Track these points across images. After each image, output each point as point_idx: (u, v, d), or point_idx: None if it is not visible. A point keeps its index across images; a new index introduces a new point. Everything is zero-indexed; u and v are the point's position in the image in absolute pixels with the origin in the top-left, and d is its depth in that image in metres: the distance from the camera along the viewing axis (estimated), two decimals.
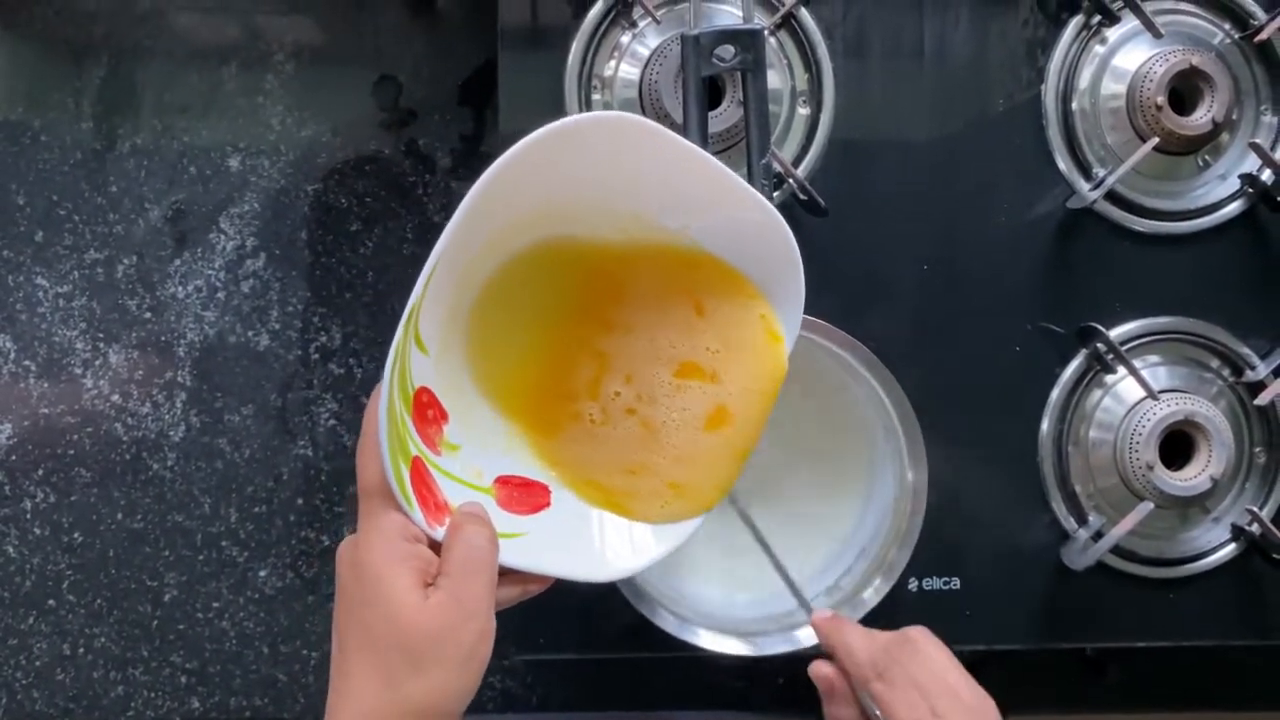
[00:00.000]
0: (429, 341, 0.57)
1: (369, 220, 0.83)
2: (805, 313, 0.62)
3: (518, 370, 0.61)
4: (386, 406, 0.53)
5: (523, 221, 0.58)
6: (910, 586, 0.72)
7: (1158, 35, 0.73)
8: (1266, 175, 0.74)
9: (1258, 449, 0.76)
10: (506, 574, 0.56)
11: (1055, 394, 0.75)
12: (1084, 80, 0.75)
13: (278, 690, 0.82)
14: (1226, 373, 0.75)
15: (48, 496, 0.82)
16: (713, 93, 0.71)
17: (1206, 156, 0.75)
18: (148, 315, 0.83)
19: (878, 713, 0.61)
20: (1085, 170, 0.75)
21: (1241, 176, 0.75)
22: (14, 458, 0.82)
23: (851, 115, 0.74)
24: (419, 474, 0.55)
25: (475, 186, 0.53)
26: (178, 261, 0.83)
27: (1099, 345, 0.73)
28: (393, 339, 0.54)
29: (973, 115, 0.75)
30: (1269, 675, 0.82)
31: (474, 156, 0.83)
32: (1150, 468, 0.72)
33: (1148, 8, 0.73)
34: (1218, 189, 0.76)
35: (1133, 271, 0.75)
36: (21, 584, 0.82)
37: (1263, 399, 0.73)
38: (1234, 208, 0.75)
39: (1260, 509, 0.74)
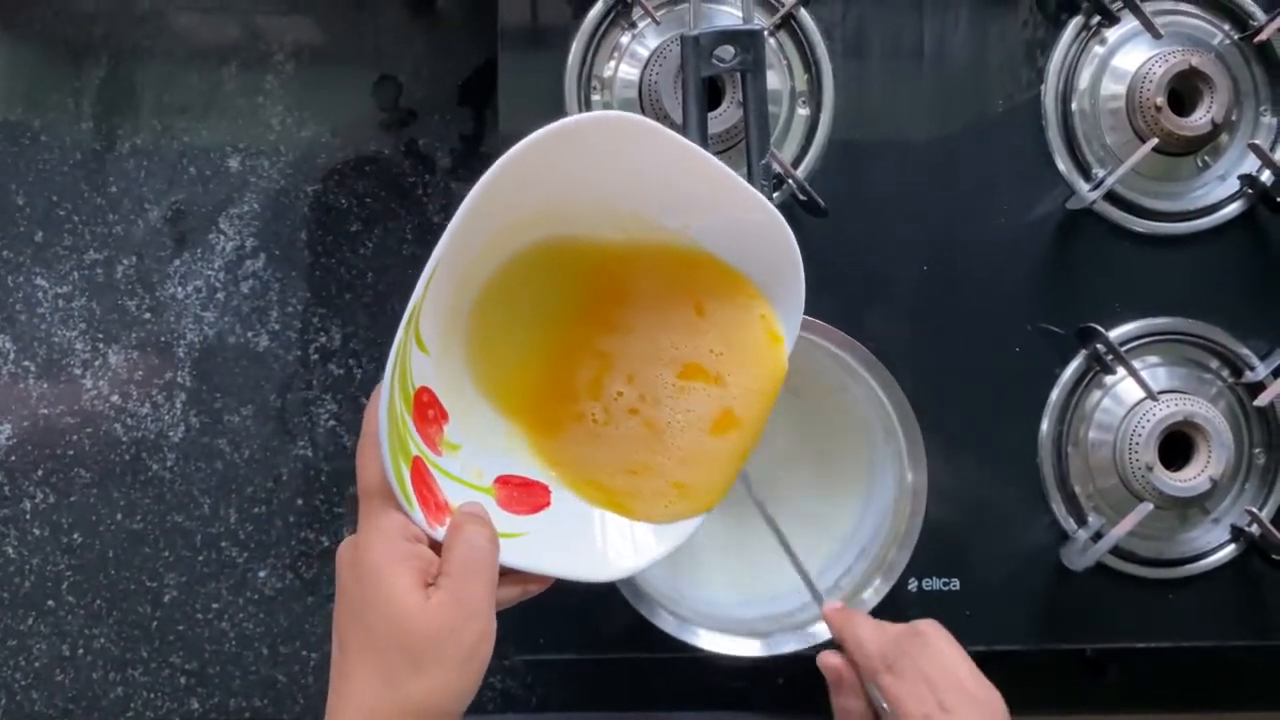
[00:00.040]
0: (429, 341, 0.57)
1: (369, 221, 0.83)
2: (805, 313, 0.62)
3: (518, 370, 0.61)
4: (387, 406, 0.53)
5: (523, 222, 0.58)
6: (910, 587, 0.72)
7: (1157, 36, 0.73)
8: (1266, 176, 0.74)
9: (1257, 450, 0.76)
10: (506, 574, 0.56)
11: (1055, 395, 0.75)
12: (1083, 81, 0.76)
13: (277, 691, 0.82)
14: (1226, 373, 0.75)
15: (47, 497, 0.82)
16: (712, 93, 0.71)
17: (1206, 157, 0.76)
18: (147, 316, 0.83)
19: (885, 705, 0.61)
20: (1085, 171, 0.75)
21: (1241, 177, 0.75)
22: (13, 458, 0.82)
23: (851, 116, 0.75)
24: (419, 474, 0.55)
25: (476, 187, 0.53)
26: (177, 262, 0.83)
27: (1098, 346, 0.73)
28: (393, 339, 0.54)
29: (972, 116, 0.75)
30: (1268, 676, 0.82)
31: (474, 157, 0.83)
32: (1150, 468, 0.72)
33: (1147, 8, 0.73)
34: (1217, 190, 0.76)
35: (1132, 272, 0.75)
36: (21, 585, 0.82)
37: (1262, 400, 0.73)
38: (1233, 208, 0.75)
39: (1260, 510, 0.74)
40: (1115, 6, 0.74)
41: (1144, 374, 0.73)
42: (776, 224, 0.59)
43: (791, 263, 0.60)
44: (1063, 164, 0.75)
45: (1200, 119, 0.73)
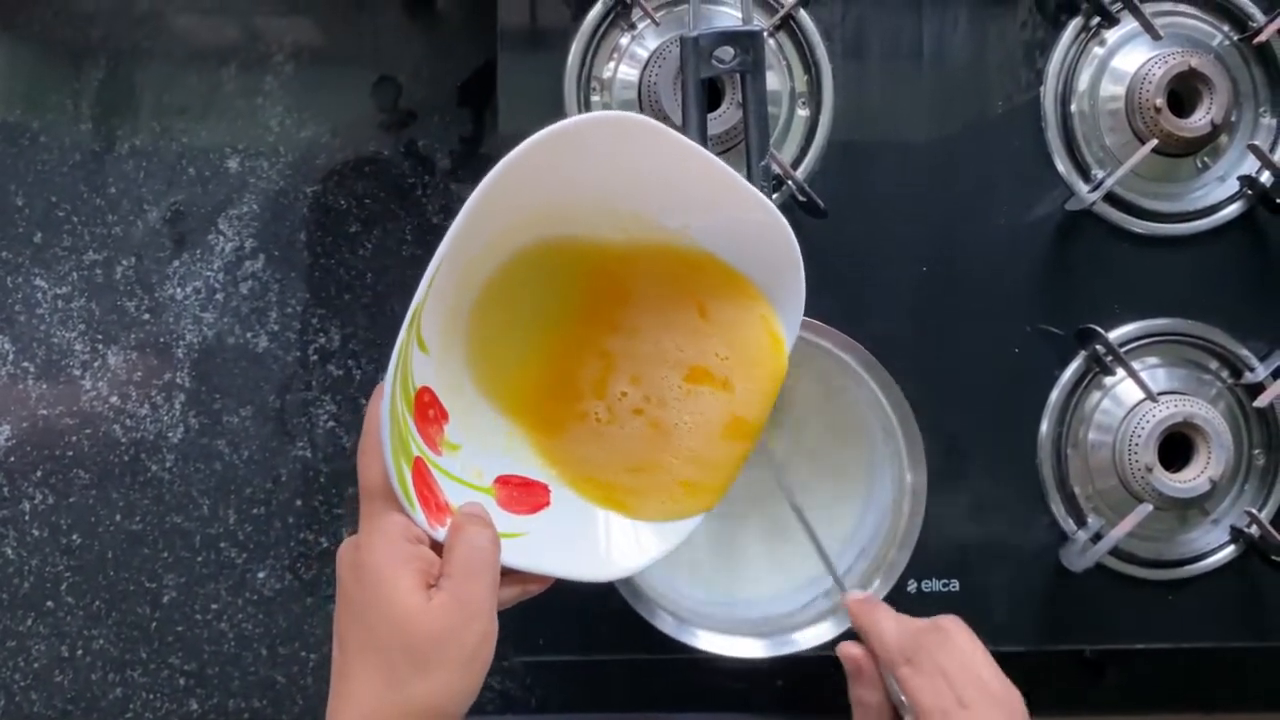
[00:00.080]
0: (430, 341, 0.57)
1: (368, 222, 0.83)
2: (804, 313, 0.62)
3: (518, 370, 0.61)
4: (389, 407, 0.53)
5: (524, 221, 0.58)
6: (910, 588, 0.72)
7: (1156, 37, 0.73)
8: (1265, 177, 0.74)
9: (1256, 451, 0.76)
10: (506, 574, 0.55)
11: (1054, 396, 0.75)
12: (1083, 82, 0.76)
13: (276, 692, 0.82)
14: (1225, 375, 0.75)
15: (46, 498, 0.82)
16: (712, 94, 0.71)
17: (1205, 158, 0.76)
18: (146, 317, 0.83)
19: (903, 698, 0.60)
20: (1084, 172, 0.75)
21: (1240, 178, 0.75)
22: (12, 459, 0.82)
23: (850, 117, 0.75)
24: (420, 474, 0.55)
25: (479, 188, 0.53)
26: (176, 263, 0.83)
27: (1098, 347, 0.73)
28: (393, 340, 0.54)
29: (972, 117, 0.75)
30: (1268, 676, 0.82)
31: (473, 158, 0.83)
32: (1149, 469, 0.72)
33: (1146, 9, 0.73)
34: (1216, 191, 0.76)
35: (1131, 273, 0.75)
36: (20, 585, 0.82)
37: (1262, 401, 0.73)
38: (1233, 209, 0.75)
39: (1259, 511, 0.74)
40: (1115, 8, 0.74)
41: (1143, 375, 0.73)
42: (777, 224, 0.59)
43: (792, 263, 0.60)
44: (1062, 165, 0.75)
45: (1199, 120, 0.73)
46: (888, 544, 0.70)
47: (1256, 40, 0.74)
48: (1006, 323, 0.75)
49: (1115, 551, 0.72)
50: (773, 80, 0.72)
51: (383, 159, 0.83)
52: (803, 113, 0.75)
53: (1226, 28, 0.76)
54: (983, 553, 0.74)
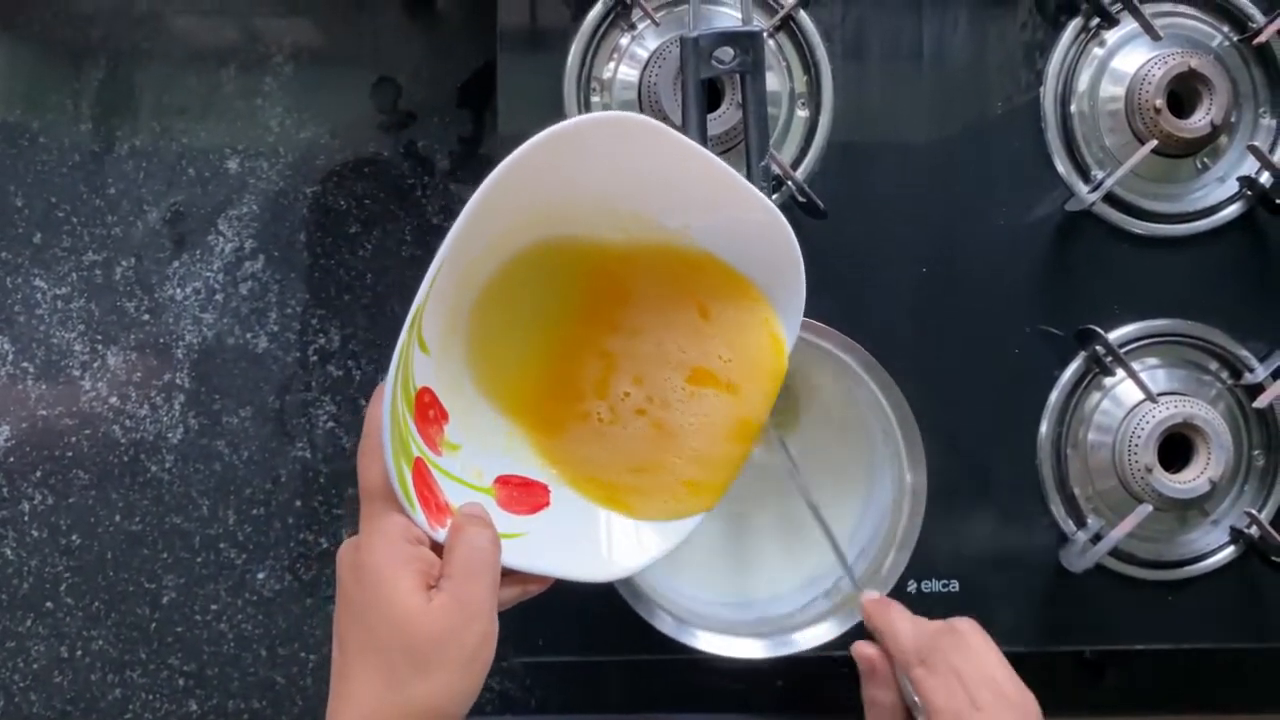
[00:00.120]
0: (430, 342, 0.57)
1: (368, 222, 0.83)
2: (804, 314, 0.62)
3: (519, 369, 0.61)
4: (389, 408, 0.53)
5: (524, 222, 0.58)
6: (910, 589, 0.72)
7: (1156, 38, 0.73)
8: (1265, 178, 0.74)
9: (1256, 452, 0.76)
10: (506, 575, 0.55)
11: (1054, 396, 0.75)
12: (1082, 83, 0.76)
13: (276, 693, 0.82)
14: (1225, 375, 0.75)
15: (46, 499, 0.82)
16: (711, 95, 0.71)
17: (1205, 159, 0.76)
18: (146, 317, 0.83)
19: (916, 699, 0.60)
20: (1084, 172, 0.75)
21: (1240, 179, 0.75)
22: (12, 460, 0.82)
23: (850, 117, 0.75)
24: (421, 475, 0.55)
25: (481, 188, 0.53)
26: (176, 263, 0.83)
27: (1098, 348, 0.73)
28: (393, 341, 0.54)
29: (971, 118, 0.75)
30: (1268, 677, 0.82)
31: (473, 159, 0.83)
32: (1149, 470, 0.72)
33: (1146, 10, 0.73)
34: (1216, 191, 0.76)
35: (1131, 274, 0.75)
36: (19, 586, 0.82)
37: (1261, 402, 0.73)
38: (1232, 210, 0.75)
39: (1259, 511, 0.74)
40: (1114, 8, 0.74)
41: (1143, 376, 0.73)
42: (778, 224, 0.59)
43: (793, 263, 0.60)
44: (1062, 166, 0.75)
45: (1199, 121, 0.73)
46: (888, 544, 0.70)
47: (1256, 41, 0.74)
48: (1006, 323, 0.75)
49: (1115, 552, 0.72)
50: (772, 81, 0.72)
51: (382, 160, 0.83)
52: (802, 113, 0.75)
53: (1226, 28, 0.76)
54: (982, 553, 0.74)
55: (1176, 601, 0.74)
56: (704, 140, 0.67)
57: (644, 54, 0.73)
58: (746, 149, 0.68)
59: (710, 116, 0.70)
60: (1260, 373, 0.74)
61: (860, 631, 0.68)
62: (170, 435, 0.82)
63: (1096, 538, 0.73)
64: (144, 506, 0.82)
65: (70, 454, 0.82)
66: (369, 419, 0.55)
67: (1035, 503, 0.74)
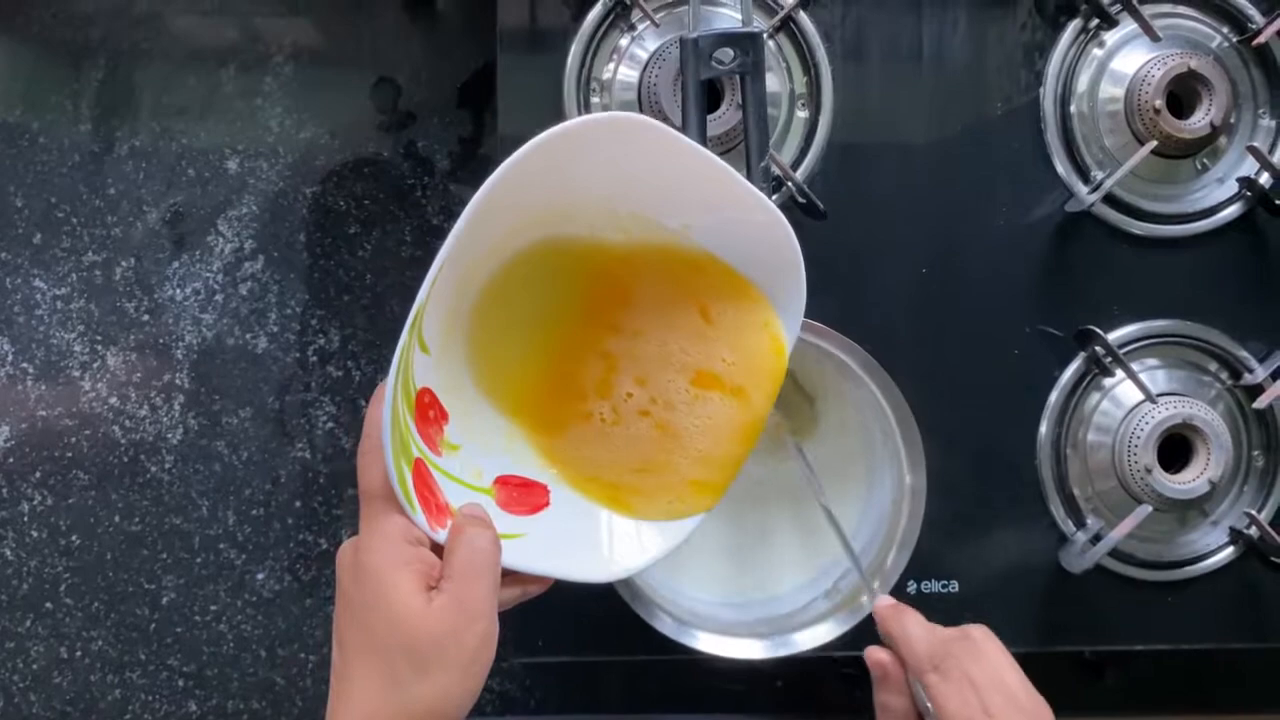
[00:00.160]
0: (430, 342, 0.57)
1: (367, 223, 0.83)
2: (804, 315, 0.62)
3: (519, 369, 0.61)
4: (390, 409, 0.53)
5: (525, 223, 0.58)
6: (909, 589, 0.72)
7: (1156, 39, 0.73)
8: (1264, 179, 0.74)
9: (1256, 452, 0.76)
10: (506, 575, 0.55)
11: (1054, 397, 0.75)
12: (1082, 83, 0.76)
13: (275, 693, 0.82)
14: (1225, 376, 0.75)
15: (45, 499, 0.82)
16: (711, 96, 0.71)
17: (1204, 160, 0.76)
18: (146, 318, 0.83)
19: (929, 705, 0.60)
20: (1083, 173, 0.75)
21: (1239, 180, 0.75)
22: (11, 460, 0.82)
23: (850, 118, 0.75)
24: (421, 476, 0.55)
25: (481, 189, 0.53)
26: (176, 264, 0.83)
27: (1097, 348, 0.73)
28: (393, 341, 0.54)
29: (971, 118, 0.75)
30: (1267, 678, 0.82)
31: (473, 159, 0.83)
32: (1148, 471, 0.72)
33: (1145, 11, 0.73)
34: (1216, 192, 0.76)
35: (1131, 275, 0.75)
36: (19, 587, 0.82)
37: (1261, 402, 0.73)
38: (1232, 211, 0.75)
39: (1258, 512, 0.74)
40: (1114, 9, 0.74)
41: (1143, 376, 0.73)
42: (779, 224, 0.59)
43: (793, 263, 0.60)
44: (1061, 166, 0.75)
45: (1199, 121, 0.73)
46: (887, 545, 0.70)
47: (1256, 42, 0.74)
48: (1006, 324, 0.75)
49: (1114, 553, 0.72)
50: (772, 82, 0.72)
51: (382, 160, 0.83)
52: (802, 114, 0.75)
53: (1226, 29, 0.76)
54: (982, 554, 0.74)
55: (1176, 602, 0.74)
56: (704, 141, 0.67)
57: (644, 55, 0.73)
58: (746, 150, 0.68)
59: (710, 117, 0.70)
60: (1260, 373, 0.74)
61: (858, 633, 0.68)
62: (170, 436, 0.82)
63: (1096, 538, 0.73)
64: (143, 507, 0.82)
65: (70, 455, 0.82)
66: (369, 419, 0.55)
67: (1035, 503, 0.74)
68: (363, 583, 0.52)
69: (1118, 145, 0.75)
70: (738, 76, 0.68)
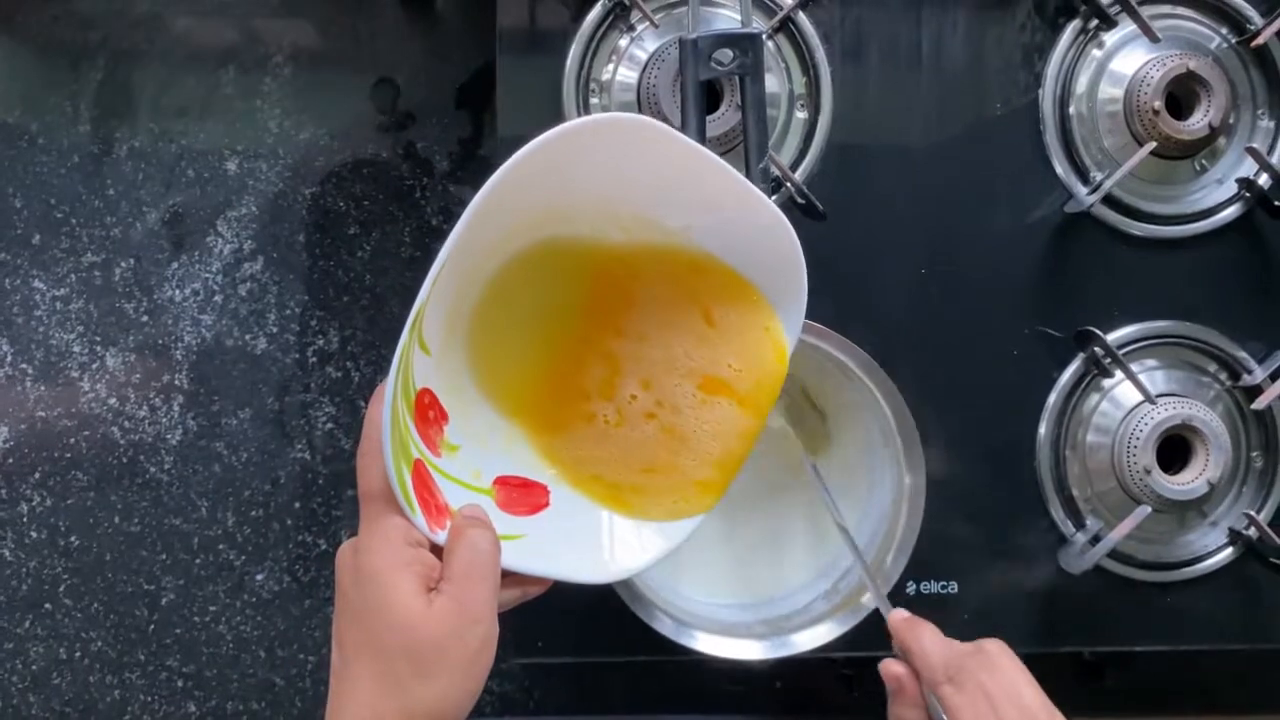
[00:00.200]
0: (430, 342, 0.57)
1: (367, 223, 0.83)
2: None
3: (521, 370, 0.61)
4: (390, 410, 0.53)
5: (526, 223, 0.58)
6: (909, 590, 0.72)
7: (1155, 40, 0.73)
8: (1263, 180, 0.74)
9: (1255, 453, 0.76)
10: (505, 576, 0.55)
11: (1053, 398, 0.75)
12: (1081, 84, 0.76)
13: (275, 694, 0.82)
14: (1224, 377, 0.75)
15: (44, 500, 0.82)
16: (711, 97, 0.71)
17: (1203, 161, 0.76)
18: (145, 319, 0.82)
19: (944, 717, 0.60)
20: (1082, 174, 0.75)
21: (1238, 181, 0.75)
22: (10, 461, 0.82)
23: (849, 119, 0.75)
24: (420, 477, 0.55)
25: (482, 190, 0.53)
26: (175, 265, 0.83)
27: (1096, 349, 0.73)
28: (392, 342, 0.54)
29: (970, 119, 0.75)
30: (1267, 678, 0.82)
31: (472, 160, 0.83)
32: (1148, 472, 0.72)
33: (1144, 12, 0.73)
34: (1215, 193, 0.76)
35: (1130, 275, 0.75)
36: (18, 588, 0.82)
37: (1260, 403, 0.73)
38: (1231, 212, 0.75)
39: (1257, 513, 0.74)
40: (1113, 10, 0.75)
41: (1142, 377, 0.73)
42: (780, 224, 0.59)
43: (795, 265, 0.60)
44: (1060, 167, 0.75)
45: (1198, 122, 0.73)
46: (887, 545, 0.70)
47: (1254, 43, 0.74)
48: (1005, 325, 0.75)
49: (1114, 554, 0.72)
50: (771, 83, 0.72)
51: (381, 161, 0.83)
52: (801, 115, 0.75)
53: (1225, 30, 0.76)
54: (981, 555, 0.74)
55: (1175, 603, 0.74)
56: (703, 142, 0.67)
57: (643, 56, 0.73)
58: (745, 151, 0.68)
59: (709, 118, 0.70)
60: (1259, 374, 0.74)
61: (857, 634, 0.68)
62: (169, 437, 0.82)
63: (1095, 539, 0.73)
64: (143, 508, 0.82)
65: (69, 455, 0.82)
66: (368, 420, 0.55)
67: (1034, 504, 0.75)
68: (362, 584, 0.52)
69: (1117, 146, 0.75)
70: (737, 77, 0.68)
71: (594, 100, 0.74)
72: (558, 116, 0.73)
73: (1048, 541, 0.74)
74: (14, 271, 0.82)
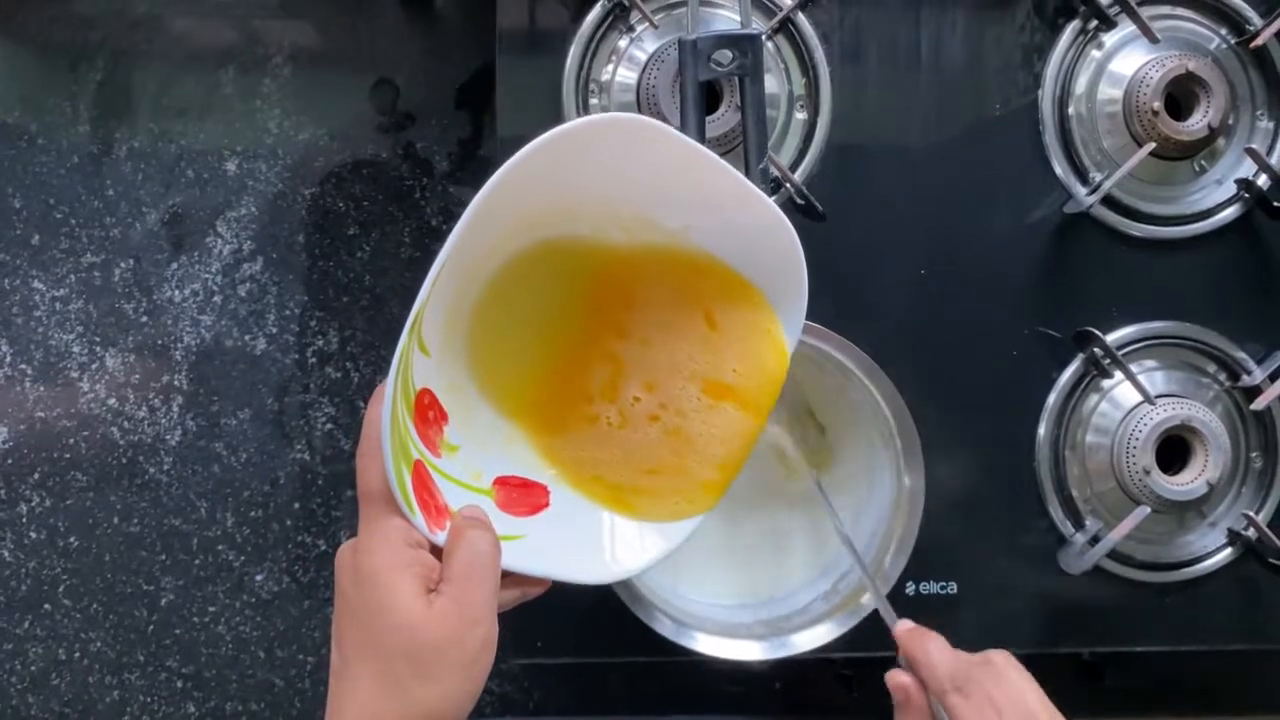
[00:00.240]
0: (430, 342, 0.57)
1: (366, 224, 0.83)
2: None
3: (521, 369, 0.61)
4: (390, 411, 0.53)
5: (526, 224, 0.58)
6: (908, 591, 0.72)
7: (1154, 40, 0.73)
8: (1262, 180, 0.74)
9: (1254, 454, 0.76)
10: (505, 577, 0.55)
11: (1052, 399, 0.75)
12: (1080, 85, 0.76)
13: (274, 695, 0.82)
14: (1223, 377, 0.76)
15: (43, 500, 0.82)
16: (710, 97, 0.71)
17: (1203, 162, 0.76)
18: (144, 319, 0.82)
19: None
20: (1082, 175, 0.75)
21: (1238, 181, 0.75)
22: (10, 462, 0.82)
23: (849, 120, 0.75)
24: (420, 478, 0.55)
25: (482, 191, 0.53)
26: (174, 265, 0.83)
27: (1096, 350, 0.73)
28: (392, 342, 0.54)
29: (970, 120, 0.75)
30: (1266, 679, 0.82)
31: (472, 160, 0.83)
32: (1147, 472, 0.72)
33: (1144, 13, 0.73)
34: (1214, 194, 0.76)
35: (1129, 276, 0.75)
36: (17, 588, 0.82)
37: (1259, 404, 0.73)
38: (1230, 213, 0.75)
39: (1256, 513, 0.74)
40: (1112, 11, 0.75)
41: (1141, 378, 0.73)
42: (781, 225, 0.59)
43: (796, 265, 0.60)
44: (1060, 168, 0.75)
45: (1197, 123, 0.73)
46: (885, 547, 0.70)
47: (1254, 44, 0.74)
48: (1004, 325, 0.75)
49: (1113, 554, 0.72)
50: (771, 83, 0.72)
51: (381, 161, 0.83)
52: (801, 116, 0.75)
53: (1224, 31, 0.76)
54: (980, 555, 0.74)
55: (1174, 603, 0.75)
56: (702, 143, 0.67)
57: (642, 56, 0.73)
58: (745, 151, 0.68)
59: (709, 119, 0.70)
60: (1258, 375, 0.74)
61: (857, 634, 0.68)
62: (168, 437, 0.82)
63: (1095, 540, 0.73)
64: (142, 508, 0.82)
65: (68, 456, 0.82)
66: (368, 421, 0.55)
67: (1033, 505, 0.75)
68: (362, 585, 0.52)
69: (1116, 147, 0.75)
70: (736, 78, 0.68)
71: (593, 101, 0.74)
72: (557, 117, 0.73)
73: (1047, 542, 0.74)
74: (13, 272, 0.82)
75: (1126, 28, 0.75)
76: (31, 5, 0.82)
